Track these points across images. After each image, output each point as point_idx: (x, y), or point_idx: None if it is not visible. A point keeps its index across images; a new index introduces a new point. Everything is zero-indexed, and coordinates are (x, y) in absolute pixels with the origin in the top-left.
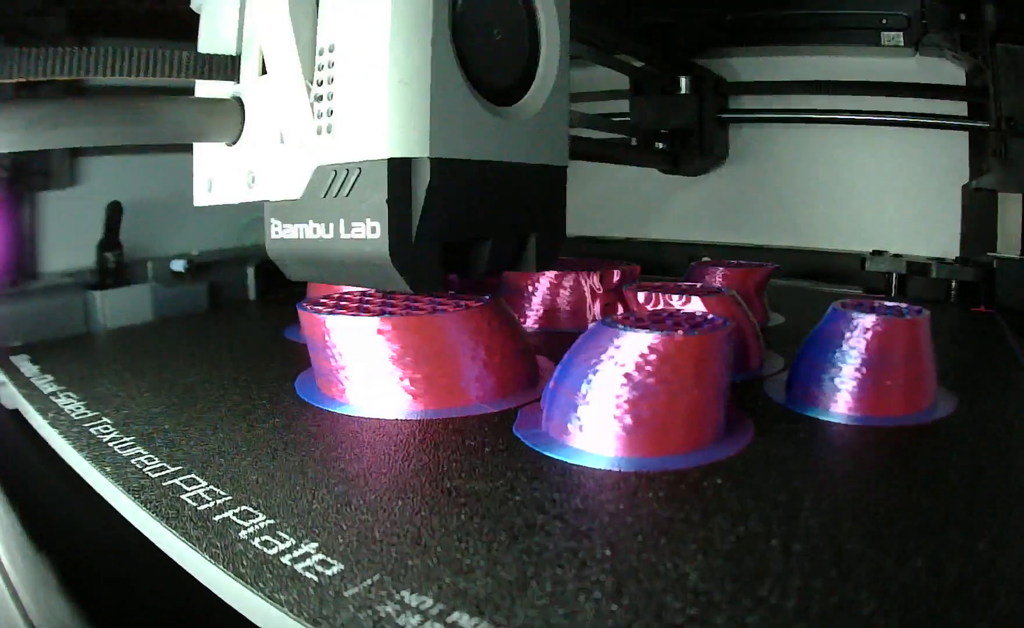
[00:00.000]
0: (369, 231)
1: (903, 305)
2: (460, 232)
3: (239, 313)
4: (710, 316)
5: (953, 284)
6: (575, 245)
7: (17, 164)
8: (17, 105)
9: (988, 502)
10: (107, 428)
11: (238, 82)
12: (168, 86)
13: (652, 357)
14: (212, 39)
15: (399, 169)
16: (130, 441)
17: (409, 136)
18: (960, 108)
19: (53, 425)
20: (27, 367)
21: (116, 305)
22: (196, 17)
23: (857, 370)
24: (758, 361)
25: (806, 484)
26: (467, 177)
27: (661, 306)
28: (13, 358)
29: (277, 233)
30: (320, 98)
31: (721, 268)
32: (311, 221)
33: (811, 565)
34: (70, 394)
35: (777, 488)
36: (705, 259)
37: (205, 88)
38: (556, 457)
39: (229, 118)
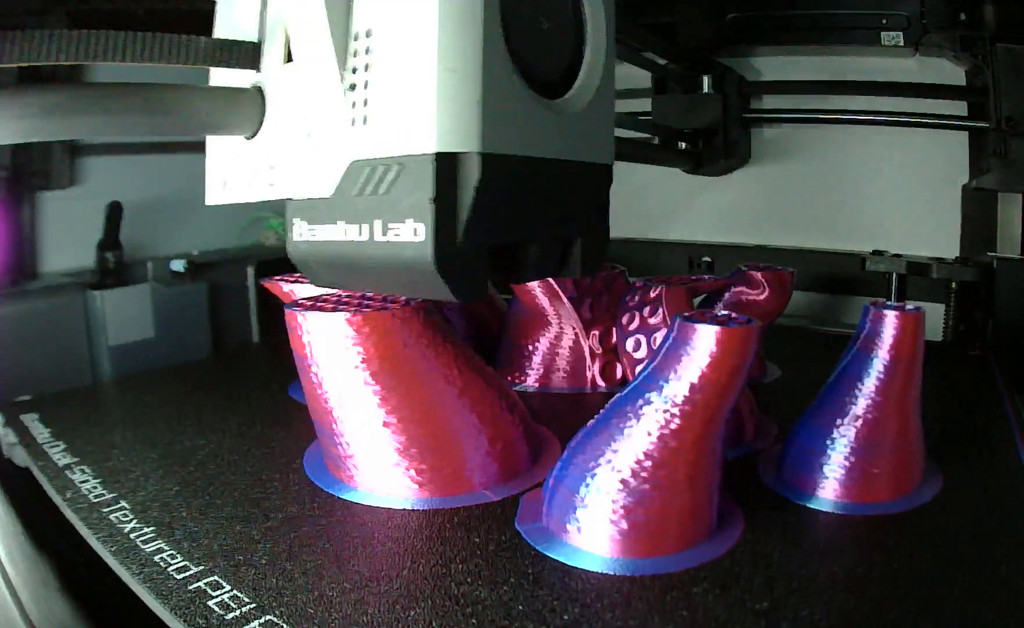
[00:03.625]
0: (411, 233)
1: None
2: (508, 234)
3: (242, 361)
4: None
5: (953, 284)
6: None
7: (17, 164)
8: (32, 91)
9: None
10: (126, 515)
11: (259, 70)
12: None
13: (647, 463)
14: (231, 25)
15: (446, 165)
16: (150, 532)
17: (458, 129)
18: (960, 108)
19: (73, 509)
20: (38, 430)
21: (116, 305)
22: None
23: (846, 458)
24: (752, 434)
25: (789, 589)
26: (516, 175)
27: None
28: (23, 418)
29: (301, 235)
30: (354, 87)
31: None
32: (341, 222)
33: None
34: (84, 468)
35: (761, 596)
36: (706, 259)
37: (221, 77)
38: (556, 558)
39: (248, 109)
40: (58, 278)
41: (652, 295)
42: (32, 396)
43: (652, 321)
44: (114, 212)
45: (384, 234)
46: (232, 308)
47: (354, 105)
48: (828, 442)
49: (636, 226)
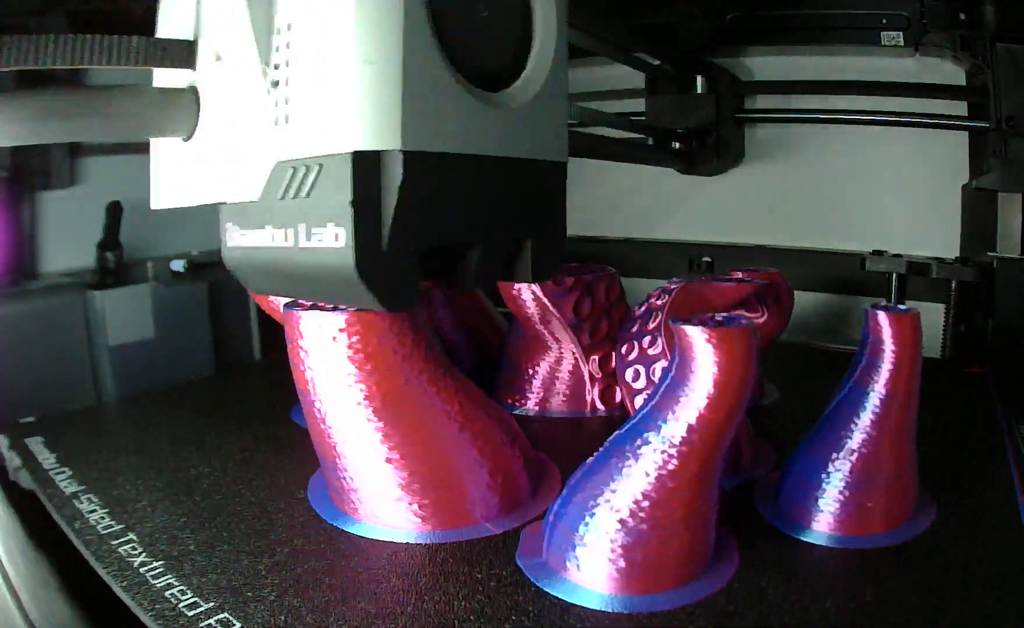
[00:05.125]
0: (332, 238)
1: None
2: (440, 237)
3: (244, 380)
4: None
5: (953, 284)
6: (573, 245)
7: (17, 164)
8: None
9: None
10: (135, 548)
11: (194, 69)
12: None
13: (645, 504)
14: (170, 23)
15: (366, 164)
16: (160, 566)
17: (378, 125)
18: (960, 108)
19: (82, 541)
20: (43, 454)
21: (116, 305)
22: None
23: (841, 492)
24: (750, 461)
25: (781, 625)
26: (447, 173)
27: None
28: (28, 441)
29: (234, 240)
30: (277, 84)
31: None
32: (269, 226)
33: None
34: (91, 497)
35: None
36: (706, 259)
37: (163, 78)
38: (556, 594)
39: (182, 109)
40: (58, 278)
41: (651, 326)
42: (36, 417)
43: (651, 352)
44: (114, 212)
45: (308, 239)
46: (232, 308)
47: (276, 103)
48: (824, 476)
49: (636, 226)
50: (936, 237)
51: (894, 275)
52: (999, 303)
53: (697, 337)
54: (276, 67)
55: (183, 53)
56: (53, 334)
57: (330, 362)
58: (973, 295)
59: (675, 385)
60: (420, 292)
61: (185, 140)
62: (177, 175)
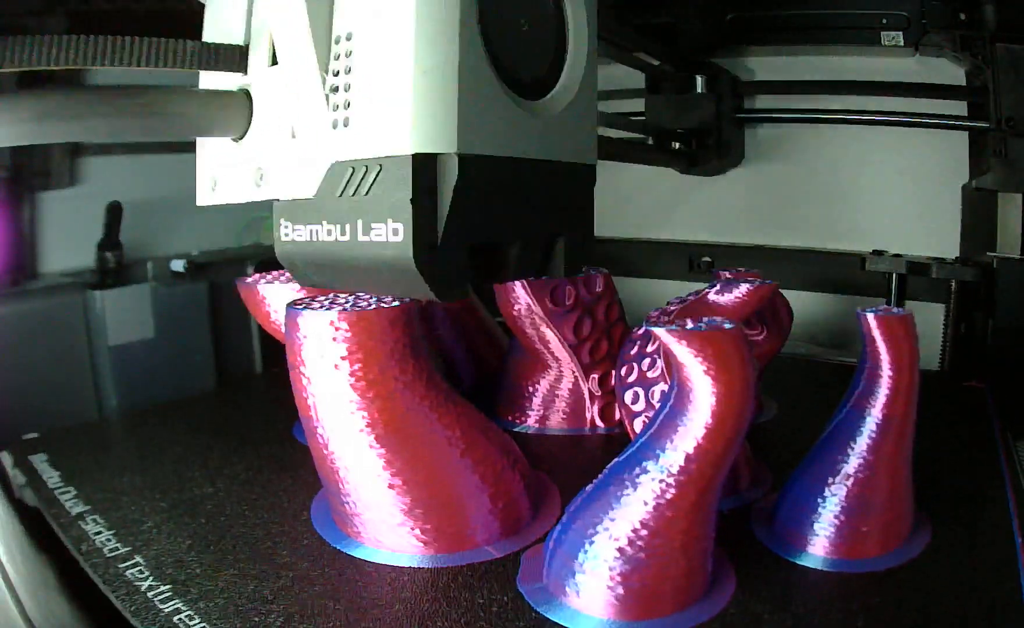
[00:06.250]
0: (391, 233)
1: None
2: (488, 234)
3: (245, 394)
4: None
5: (953, 284)
6: None
7: (17, 164)
8: (26, 97)
9: None
10: (142, 571)
11: (246, 73)
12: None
13: (643, 532)
14: (218, 28)
15: (424, 166)
16: (167, 591)
17: (435, 130)
18: (960, 108)
19: (89, 564)
20: (48, 473)
21: (116, 305)
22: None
23: (836, 517)
24: (748, 483)
25: None
26: (496, 175)
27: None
28: (32, 458)
29: (287, 235)
30: (336, 90)
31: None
32: (325, 222)
33: None
34: (97, 518)
35: None
36: (706, 259)
37: (210, 81)
38: (555, 619)
39: (236, 111)
40: (58, 278)
41: (650, 348)
42: (38, 423)
43: (651, 375)
44: (114, 212)
45: (366, 234)
46: (232, 308)
47: (335, 107)
48: (819, 500)
49: (636, 226)
50: (936, 237)
51: (894, 275)
52: (999, 303)
53: (696, 370)
54: (336, 73)
55: (236, 57)
56: (53, 334)
57: (333, 390)
58: (973, 295)
59: (673, 414)
60: (423, 306)
61: (236, 140)
62: (227, 174)
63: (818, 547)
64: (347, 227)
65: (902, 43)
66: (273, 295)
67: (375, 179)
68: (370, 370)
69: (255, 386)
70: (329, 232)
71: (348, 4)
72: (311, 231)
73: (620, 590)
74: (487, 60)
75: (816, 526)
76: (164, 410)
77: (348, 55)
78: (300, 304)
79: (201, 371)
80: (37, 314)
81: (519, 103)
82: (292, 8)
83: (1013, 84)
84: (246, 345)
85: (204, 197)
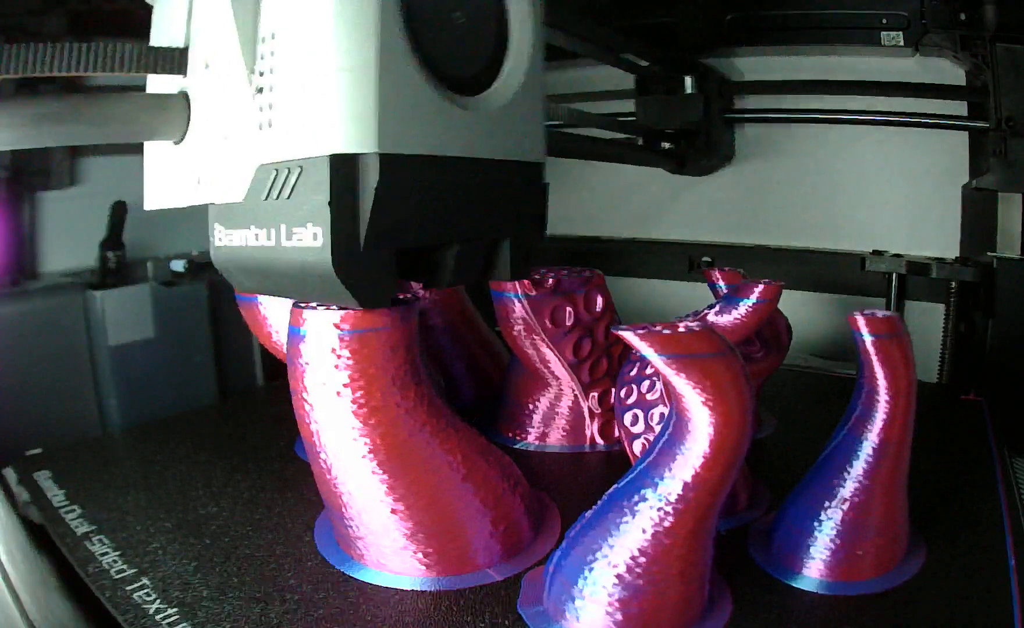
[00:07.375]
0: (311, 237)
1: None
2: (417, 237)
3: (246, 409)
4: None
5: (953, 284)
6: (575, 244)
7: (17, 164)
8: None
9: None
10: (149, 594)
11: (186, 75)
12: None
13: (642, 560)
14: (163, 31)
15: (343, 166)
16: (175, 614)
17: (354, 129)
18: (960, 108)
19: (96, 586)
20: (52, 491)
21: (116, 305)
22: None
23: (832, 541)
24: (745, 503)
25: None
26: (424, 175)
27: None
28: (36, 476)
29: (221, 240)
30: (261, 90)
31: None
32: (253, 226)
33: None
34: (103, 538)
35: None
36: (706, 259)
37: (156, 84)
38: None
39: (174, 114)
40: (58, 278)
41: (649, 370)
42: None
43: (650, 397)
44: (118, 211)
45: (289, 239)
46: (232, 308)
47: (261, 108)
48: (816, 523)
49: (636, 226)
50: (936, 237)
51: (894, 275)
52: (999, 304)
53: (694, 400)
54: (261, 74)
55: (175, 60)
56: (53, 334)
57: (336, 417)
58: (973, 295)
59: (672, 443)
60: (420, 321)
61: (176, 143)
62: (168, 177)
63: (814, 570)
64: (272, 232)
65: (902, 43)
66: (274, 314)
67: (296, 182)
68: (372, 397)
69: (257, 399)
70: (256, 237)
71: (273, 3)
72: (242, 236)
73: (619, 616)
74: (413, 56)
75: (812, 549)
76: (167, 424)
77: (272, 55)
78: (302, 322)
79: (201, 371)
80: (37, 314)
81: (452, 99)
82: (220, 9)
83: (1013, 84)
84: (246, 344)
85: (151, 200)
